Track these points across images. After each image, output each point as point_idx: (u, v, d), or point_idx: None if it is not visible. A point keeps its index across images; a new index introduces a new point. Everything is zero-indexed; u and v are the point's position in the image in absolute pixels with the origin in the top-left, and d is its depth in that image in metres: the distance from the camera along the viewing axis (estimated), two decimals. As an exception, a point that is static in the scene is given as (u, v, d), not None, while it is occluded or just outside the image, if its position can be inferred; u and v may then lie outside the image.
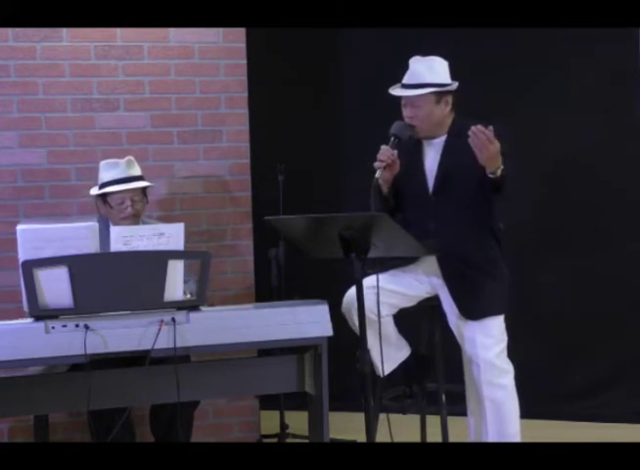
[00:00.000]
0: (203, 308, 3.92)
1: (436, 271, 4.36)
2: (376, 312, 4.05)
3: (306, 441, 4.67)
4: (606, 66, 5.72)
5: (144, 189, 4.62)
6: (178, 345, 3.79)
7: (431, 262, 4.36)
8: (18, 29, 4.89)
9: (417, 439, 4.67)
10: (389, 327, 4.36)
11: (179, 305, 3.85)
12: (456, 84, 4.34)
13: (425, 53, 4.36)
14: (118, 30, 5.02)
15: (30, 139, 4.96)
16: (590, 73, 5.75)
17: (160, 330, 3.78)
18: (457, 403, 4.45)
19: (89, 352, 3.70)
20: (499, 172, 4.07)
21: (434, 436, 4.55)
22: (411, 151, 4.37)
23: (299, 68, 6.13)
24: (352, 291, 3.97)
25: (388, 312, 4.31)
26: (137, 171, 4.61)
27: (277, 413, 5.30)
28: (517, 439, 4.34)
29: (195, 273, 3.98)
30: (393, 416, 4.11)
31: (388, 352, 4.27)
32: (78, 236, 3.76)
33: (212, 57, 5.17)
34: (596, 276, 5.81)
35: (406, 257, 4.31)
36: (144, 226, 4.18)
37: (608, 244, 5.83)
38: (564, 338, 5.84)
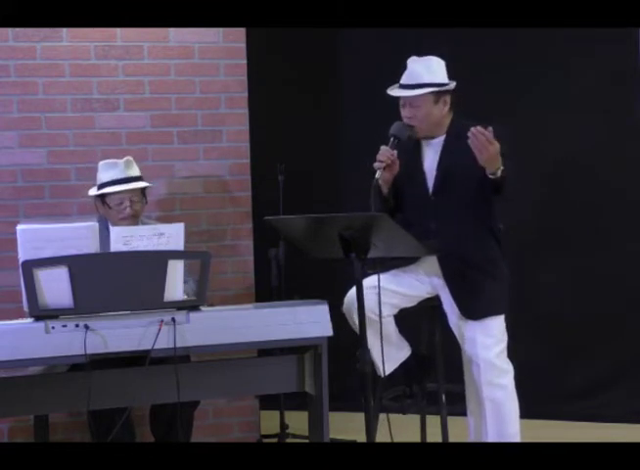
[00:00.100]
0: (203, 308, 3.92)
1: (437, 271, 4.36)
2: (377, 313, 4.05)
3: (306, 441, 4.67)
4: (606, 66, 5.72)
5: (143, 189, 4.62)
6: (178, 345, 3.79)
7: (431, 263, 4.36)
8: (18, 29, 4.89)
9: (417, 439, 4.67)
10: (390, 327, 4.36)
11: (179, 305, 3.85)
12: (454, 84, 4.34)
13: (425, 53, 4.36)
14: (118, 30, 5.02)
15: (30, 139, 4.96)
16: (590, 73, 5.75)
17: (159, 330, 3.78)
18: (457, 403, 4.45)
19: (89, 352, 3.70)
20: (499, 173, 4.07)
21: (434, 436, 4.55)
22: (410, 151, 4.38)
23: (299, 68, 6.13)
24: (354, 291, 3.96)
25: (389, 313, 4.31)
26: (136, 172, 4.61)
27: (277, 413, 5.30)
28: (517, 439, 4.34)
29: (194, 273, 3.98)
30: (393, 416, 4.11)
31: (389, 353, 4.27)
32: (78, 236, 3.76)
33: (212, 57, 5.17)
34: (596, 276, 5.81)
35: (407, 257, 4.31)
36: (144, 226, 4.18)
37: (608, 244, 5.83)
38: (564, 338, 5.84)
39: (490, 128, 4.01)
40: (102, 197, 4.57)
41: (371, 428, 3.88)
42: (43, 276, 3.69)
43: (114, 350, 3.76)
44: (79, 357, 3.71)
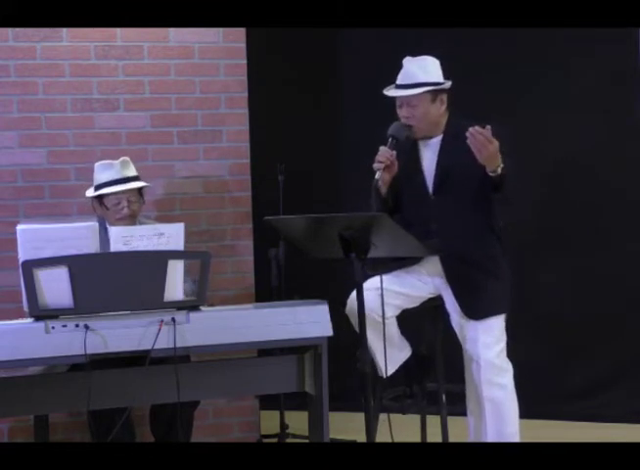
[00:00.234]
0: (203, 308, 3.92)
1: (440, 272, 4.36)
2: (380, 314, 4.06)
3: (306, 441, 4.67)
4: (606, 66, 5.72)
5: (140, 189, 4.62)
6: (178, 345, 3.79)
7: (434, 263, 4.36)
8: (18, 29, 4.89)
9: (417, 439, 4.67)
10: (393, 328, 4.36)
11: (179, 305, 3.85)
12: (450, 83, 4.35)
13: (425, 53, 4.36)
14: (118, 30, 5.02)
15: (30, 139, 4.96)
16: (590, 73, 5.75)
17: (159, 330, 3.77)
18: (457, 403, 4.45)
19: (89, 352, 3.70)
20: (499, 170, 4.08)
21: (434, 436, 4.55)
22: (408, 152, 4.37)
23: (299, 68, 6.13)
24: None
25: (392, 314, 4.31)
26: (132, 172, 4.60)
27: (277, 413, 5.30)
28: (516, 438, 4.34)
29: (194, 273, 3.98)
30: (393, 416, 4.11)
31: (391, 354, 4.27)
32: (78, 236, 3.76)
33: (212, 57, 5.17)
34: (596, 276, 5.81)
35: (409, 257, 4.30)
36: (144, 226, 4.18)
37: (608, 244, 5.83)
38: (564, 338, 5.84)
39: (488, 127, 4.01)
40: (99, 198, 4.57)
41: (371, 428, 3.88)
42: (43, 276, 3.69)
43: (114, 350, 3.76)
44: (79, 357, 3.71)
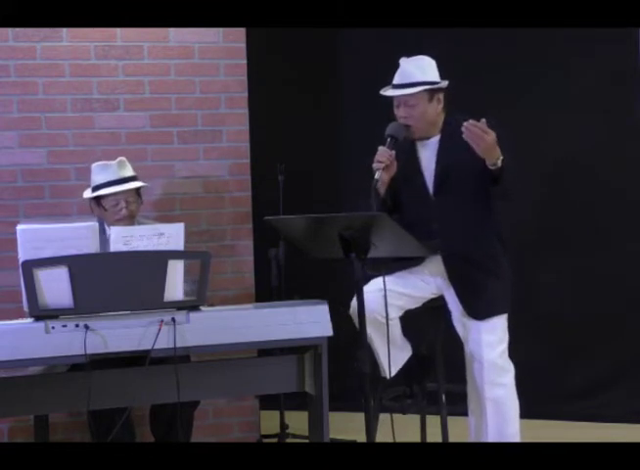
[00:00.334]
0: (203, 308, 3.91)
1: (442, 272, 4.36)
2: (384, 315, 4.06)
3: (306, 441, 4.67)
4: (606, 66, 5.72)
5: (138, 189, 4.61)
6: (178, 345, 3.79)
7: (436, 263, 4.36)
8: (18, 29, 4.89)
9: (417, 439, 4.67)
10: (396, 330, 4.37)
11: (179, 305, 3.85)
12: (446, 82, 4.35)
13: (425, 53, 4.36)
14: (118, 30, 5.02)
15: (30, 139, 4.96)
16: (590, 73, 5.75)
17: (159, 330, 3.77)
18: (457, 403, 4.46)
19: (89, 352, 3.70)
20: (499, 163, 4.08)
21: (434, 436, 4.55)
22: (407, 152, 4.37)
23: (299, 68, 6.13)
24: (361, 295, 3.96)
25: (396, 315, 4.32)
26: (129, 172, 4.60)
27: (277, 413, 5.30)
28: (517, 438, 4.34)
29: (193, 274, 3.98)
30: (393, 416, 4.10)
31: (394, 354, 4.27)
32: (78, 236, 3.76)
33: (212, 57, 5.17)
34: (596, 276, 5.81)
35: (412, 258, 4.30)
36: (144, 226, 4.17)
37: (608, 244, 5.83)
38: (564, 338, 5.84)
39: (483, 120, 4.02)
40: (97, 199, 4.56)
41: (371, 428, 3.88)
42: (43, 276, 3.69)
43: (114, 350, 3.76)
44: (79, 357, 3.71)
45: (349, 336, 4.17)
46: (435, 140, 4.37)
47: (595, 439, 4.77)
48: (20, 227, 3.77)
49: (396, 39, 5.50)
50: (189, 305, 3.87)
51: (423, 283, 4.41)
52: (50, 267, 3.69)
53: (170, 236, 3.87)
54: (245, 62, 5.20)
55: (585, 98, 5.77)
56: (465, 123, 4.02)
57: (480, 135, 4.01)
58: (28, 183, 4.95)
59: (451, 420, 4.44)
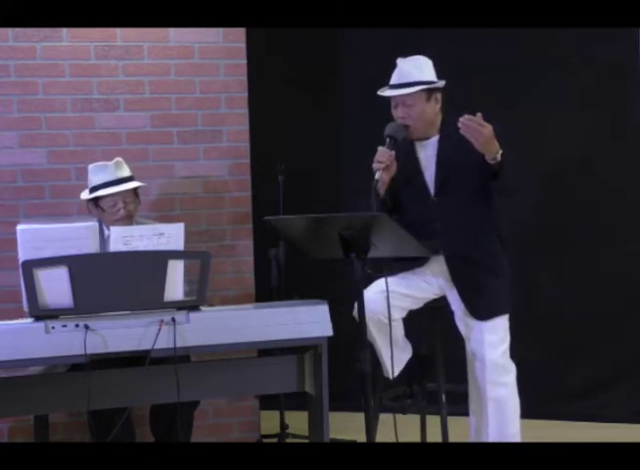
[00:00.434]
0: (203, 308, 3.92)
1: (443, 272, 4.36)
2: (387, 316, 4.06)
3: (306, 441, 4.67)
4: (606, 66, 5.72)
5: (135, 189, 4.61)
6: (178, 345, 3.79)
7: (438, 263, 4.36)
8: (18, 29, 4.89)
9: (417, 439, 4.67)
10: (399, 331, 4.37)
11: (179, 305, 3.85)
12: (443, 82, 4.35)
13: (425, 53, 4.36)
14: (118, 30, 5.02)
15: (30, 139, 4.96)
16: (590, 73, 5.75)
17: (159, 330, 3.77)
18: (458, 403, 4.45)
19: (89, 352, 3.70)
20: (499, 157, 4.08)
21: (434, 436, 4.55)
22: (406, 152, 4.37)
23: (299, 68, 6.13)
24: (366, 297, 3.95)
25: (399, 316, 4.32)
26: (126, 172, 4.59)
27: (277, 413, 5.30)
28: (517, 438, 4.34)
29: (192, 274, 3.98)
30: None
31: (396, 355, 4.27)
32: (78, 236, 3.76)
33: (212, 57, 5.17)
34: (596, 276, 5.81)
35: (414, 258, 4.30)
36: (144, 226, 4.17)
37: (608, 244, 5.83)
38: (564, 338, 5.84)
39: (479, 114, 4.02)
40: (95, 200, 4.56)
41: (371, 428, 3.88)
42: (43, 276, 3.69)
43: (114, 350, 3.76)
44: (79, 357, 3.71)
45: (349, 336, 4.17)
46: (435, 140, 4.37)
47: (595, 439, 4.77)
48: (20, 227, 3.77)
49: (396, 39, 5.49)
50: (189, 305, 3.87)
51: (425, 284, 4.41)
52: (50, 267, 3.69)
53: (170, 236, 3.87)
54: (245, 62, 5.20)
55: (585, 98, 5.77)
56: (461, 119, 4.02)
57: (476, 129, 4.01)
58: (28, 183, 4.95)
59: (451, 420, 4.43)
